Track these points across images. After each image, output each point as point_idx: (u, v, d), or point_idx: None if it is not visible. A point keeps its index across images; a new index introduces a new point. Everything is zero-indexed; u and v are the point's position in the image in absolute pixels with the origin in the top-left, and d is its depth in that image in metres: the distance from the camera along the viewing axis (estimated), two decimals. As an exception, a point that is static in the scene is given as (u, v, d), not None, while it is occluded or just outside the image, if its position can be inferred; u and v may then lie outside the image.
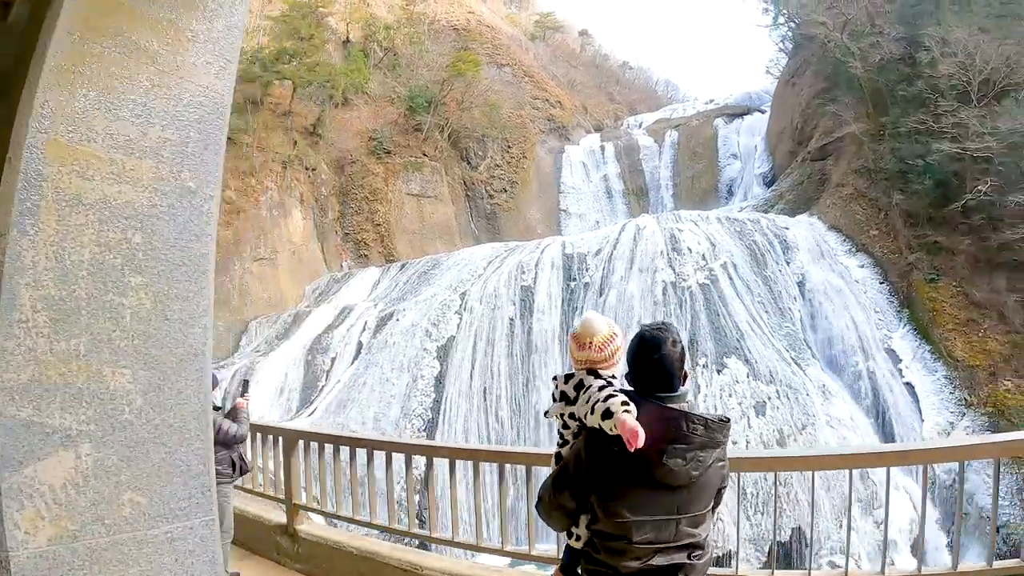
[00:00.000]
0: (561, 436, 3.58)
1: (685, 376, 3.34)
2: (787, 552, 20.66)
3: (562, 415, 3.52)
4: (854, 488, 21.19)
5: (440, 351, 29.12)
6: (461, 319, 30.06)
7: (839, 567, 17.73)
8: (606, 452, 3.14)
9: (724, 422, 3.19)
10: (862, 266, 29.25)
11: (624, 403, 3.09)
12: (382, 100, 49.84)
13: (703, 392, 24.22)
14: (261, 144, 41.40)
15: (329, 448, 8.46)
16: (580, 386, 3.43)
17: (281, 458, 8.88)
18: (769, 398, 23.75)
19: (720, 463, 3.24)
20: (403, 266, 39.10)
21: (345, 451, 8.45)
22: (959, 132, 27.14)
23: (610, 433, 3.09)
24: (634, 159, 51.35)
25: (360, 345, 31.33)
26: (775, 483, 5.94)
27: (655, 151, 51.44)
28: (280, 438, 9.11)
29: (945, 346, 25.19)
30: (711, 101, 57.88)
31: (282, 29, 43.78)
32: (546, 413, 3.70)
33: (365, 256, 43.59)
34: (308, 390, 30.80)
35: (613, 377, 3.46)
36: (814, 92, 38.82)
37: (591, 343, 3.48)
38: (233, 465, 8.19)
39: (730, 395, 24.06)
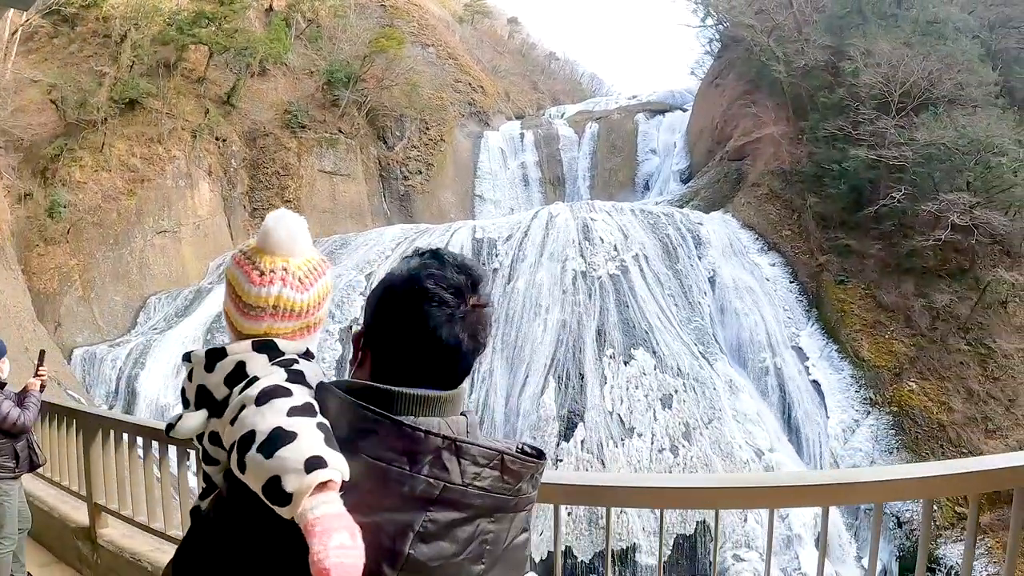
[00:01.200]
0: (206, 476, 1.87)
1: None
2: (692, 545, 20.64)
3: (200, 436, 1.83)
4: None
5: (343, 333, 28.27)
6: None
7: (744, 560, 17.73)
8: (275, 521, 1.51)
9: (536, 458, 1.69)
10: (773, 265, 29.67)
11: (314, 462, 1.47)
12: (300, 72, 48.12)
13: (609, 383, 24.04)
14: (171, 111, 39.22)
15: (139, 441, 6.78)
16: (237, 377, 1.77)
17: (81, 448, 7.45)
18: (676, 391, 23.77)
19: (524, 534, 1.73)
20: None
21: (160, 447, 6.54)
22: (876, 140, 27.86)
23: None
24: (553, 148, 51.16)
25: (263, 325, 30.06)
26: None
27: (574, 142, 51.35)
28: (77, 423, 7.64)
29: (852, 346, 25.76)
30: (634, 97, 58.21)
31: (204, -9, 41.78)
32: (169, 428, 1.89)
33: (273, 232, 41.98)
34: (208, 370, 29.38)
35: (308, 356, 1.86)
36: (737, 94, 39.32)
37: (286, 272, 1.84)
38: (16, 456, 6.97)
39: (636, 387, 23.99)
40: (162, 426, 6.14)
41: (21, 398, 7.02)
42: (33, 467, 7.25)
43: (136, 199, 36.36)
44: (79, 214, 34.06)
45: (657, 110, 52.02)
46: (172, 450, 6.21)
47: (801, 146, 31.92)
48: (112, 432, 7.00)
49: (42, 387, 7.27)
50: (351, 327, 28.34)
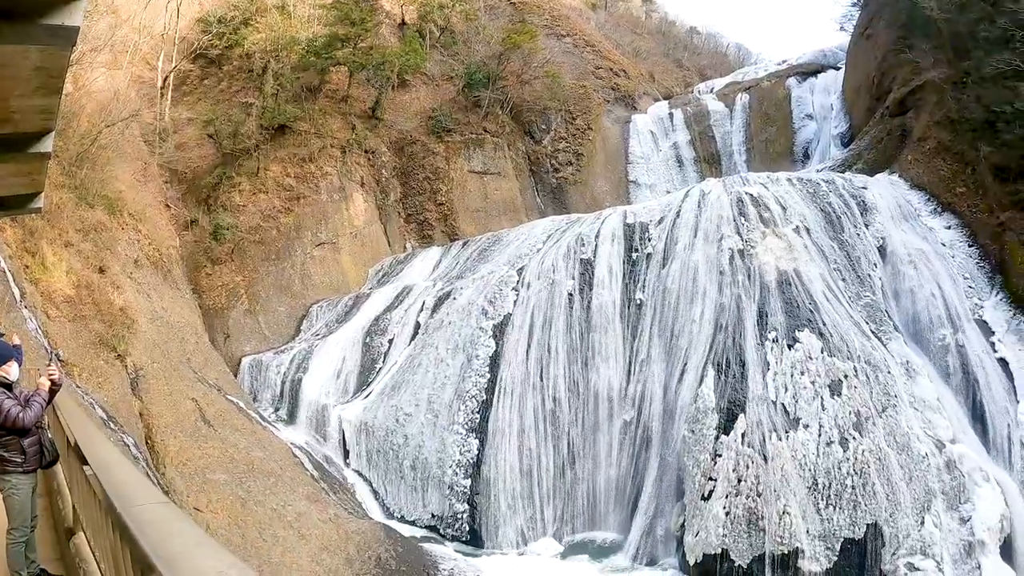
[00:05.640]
0: None
1: None
2: (861, 551, 18.90)
3: None
4: (939, 478, 19.36)
5: (496, 329, 28.16)
6: (518, 295, 29.03)
7: (918, 570, 15.90)
8: None
9: None
10: (949, 227, 26.77)
11: None
12: (440, 79, 49.17)
13: (772, 370, 22.49)
14: (319, 130, 41.62)
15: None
16: None
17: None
18: (846, 376, 21.85)
19: None
20: (465, 244, 38.58)
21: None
22: (1050, 72, 24.30)
23: None
24: (704, 125, 49.30)
25: (418, 325, 30.76)
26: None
27: (726, 116, 49.21)
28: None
29: (1044, 316, 22.70)
30: (783, 62, 54.92)
31: (334, 16, 43.36)
32: None
33: (429, 236, 43.24)
34: (366, 372, 30.54)
35: None
36: (890, 42, 35.90)
37: None
38: (24, 452, 7.24)
39: (802, 373, 22.26)
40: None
41: (28, 398, 7.30)
42: (43, 464, 7.51)
43: (294, 216, 38.58)
44: (241, 234, 36.61)
45: (808, 72, 48.76)
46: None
47: (967, 90, 28.00)
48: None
49: (54, 387, 7.53)
50: (504, 323, 28.14)
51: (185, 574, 2.78)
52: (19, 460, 7.22)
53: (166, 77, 39.88)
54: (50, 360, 7.97)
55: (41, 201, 11.46)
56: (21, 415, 7.12)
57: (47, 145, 8.34)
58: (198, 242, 35.91)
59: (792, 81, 48.30)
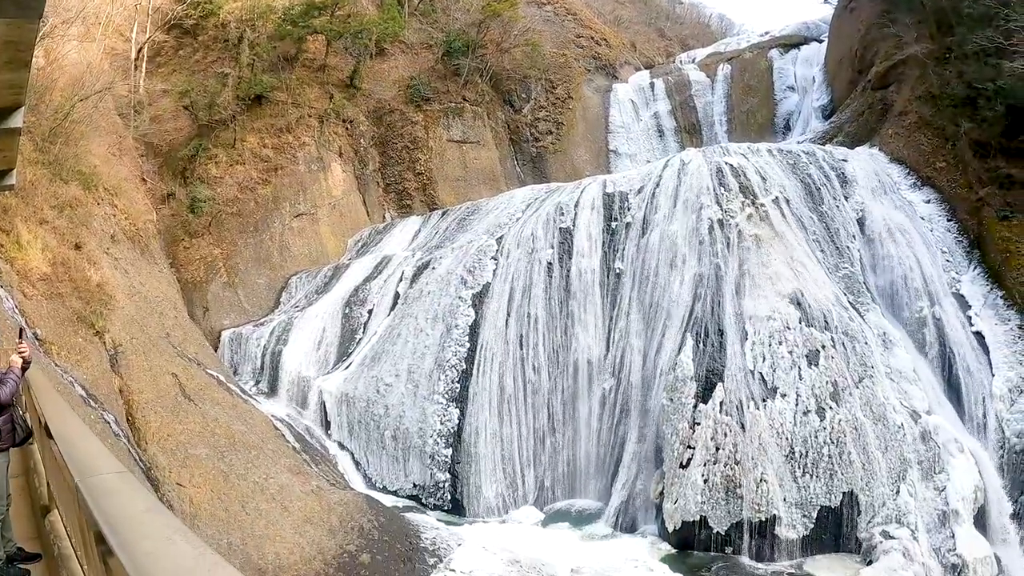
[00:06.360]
0: None
1: None
2: (837, 519, 19.25)
3: None
4: (914, 448, 19.72)
5: (475, 299, 28.13)
6: (497, 264, 28.98)
7: (893, 538, 16.20)
8: None
9: None
10: (928, 201, 27.00)
11: None
12: (419, 47, 48.44)
13: (750, 339, 22.68)
14: (296, 100, 40.96)
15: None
16: None
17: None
18: (823, 346, 22.10)
19: None
20: (444, 214, 38.25)
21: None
22: (1033, 50, 24.41)
23: None
24: (686, 95, 49.05)
25: (397, 296, 30.63)
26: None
27: (707, 86, 49.02)
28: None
29: (1020, 292, 22.94)
30: (766, 33, 54.83)
31: (312, -17, 42.63)
32: None
33: (408, 206, 42.88)
34: (346, 343, 30.41)
35: None
36: (874, 15, 35.91)
37: None
38: None
39: (780, 343, 22.46)
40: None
41: (2, 376, 7.16)
42: (16, 442, 7.36)
43: (271, 187, 38.12)
44: (218, 207, 36.17)
45: (791, 44, 48.71)
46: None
47: (949, 65, 28.31)
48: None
49: (25, 363, 7.39)
50: (483, 292, 28.11)
51: (131, 540, 2.85)
52: None
53: (140, 48, 38.98)
54: (20, 337, 7.74)
55: (14, 178, 11.26)
56: None
57: (17, 120, 8.15)
58: (175, 215, 35.44)
59: (774, 53, 48.18)
